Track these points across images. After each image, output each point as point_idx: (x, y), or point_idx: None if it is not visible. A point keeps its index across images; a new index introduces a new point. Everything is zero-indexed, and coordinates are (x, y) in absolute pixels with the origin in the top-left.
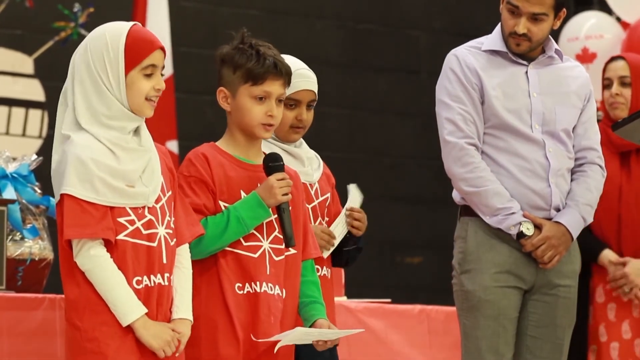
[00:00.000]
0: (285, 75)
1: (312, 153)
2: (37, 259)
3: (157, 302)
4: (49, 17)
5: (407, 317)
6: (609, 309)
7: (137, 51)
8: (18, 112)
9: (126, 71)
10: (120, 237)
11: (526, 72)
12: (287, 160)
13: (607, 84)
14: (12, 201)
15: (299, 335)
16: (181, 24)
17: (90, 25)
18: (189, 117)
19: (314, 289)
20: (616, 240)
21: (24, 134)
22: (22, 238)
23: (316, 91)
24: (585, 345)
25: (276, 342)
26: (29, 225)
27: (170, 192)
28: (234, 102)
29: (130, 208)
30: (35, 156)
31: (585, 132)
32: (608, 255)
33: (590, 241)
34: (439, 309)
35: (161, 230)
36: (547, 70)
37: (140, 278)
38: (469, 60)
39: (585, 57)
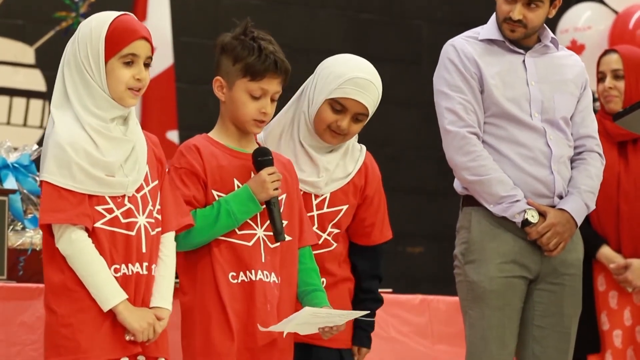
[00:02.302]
0: (283, 73)
1: (345, 163)
2: (38, 249)
3: (135, 291)
4: (50, 7)
5: (409, 307)
6: (611, 296)
7: (117, 39)
8: (19, 102)
9: (106, 59)
10: (98, 225)
11: (523, 61)
12: (306, 165)
13: (600, 77)
14: (13, 191)
15: (307, 317)
16: (182, 13)
17: (91, 16)
18: (189, 107)
19: (314, 277)
20: (615, 230)
21: (25, 124)
22: (23, 228)
23: (368, 105)
24: (597, 333)
25: (279, 332)
26: (30, 215)
27: (156, 182)
28: (230, 94)
29: (109, 197)
30: (36, 146)
31: (582, 120)
32: (605, 252)
33: (588, 235)
34: (440, 299)
35: (141, 220)
36: (543, 59)
37: (118, 266)
38: (467, 49)
39: (574, 48)
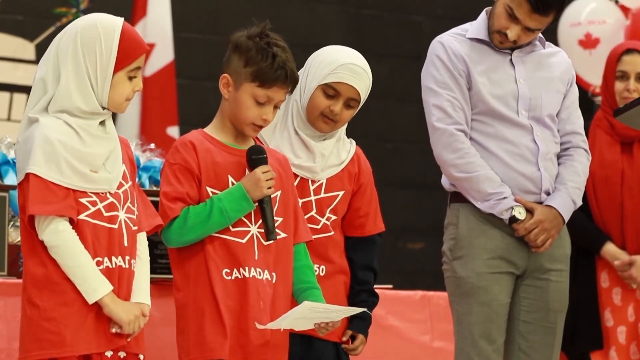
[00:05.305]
0: (291, 84)
1: (339, 150)
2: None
3: (118, 284)
4: (51, 2)
5: (409, 303)
6: (615, 293)
7: (128, 52)
8: (19, 97)
9: (114, 71)
10: (81, 217)
11: (511, 60)
12: (302, 151)
13: (621, 76)
14: (14, 187)
15: (305, 311)
16: (182, 9)
17: (91, 11)
18: (190, 103)
19: (309, 274)
20: (618, 227)
21: None
22: None
23: (361, 91)
24: (600, 330)
25: (273, 331)
26: None
27: (130, 183)
28: (235, 94)
29: (92, 192)
30: None
31: (569, 116)
32: (610, 249)
33: (591, 232)
34: (441, 295)
35: (122, 215)
36: (530, 57)
37: (100, 259)
38: (455, 46)
39: (589, 42)
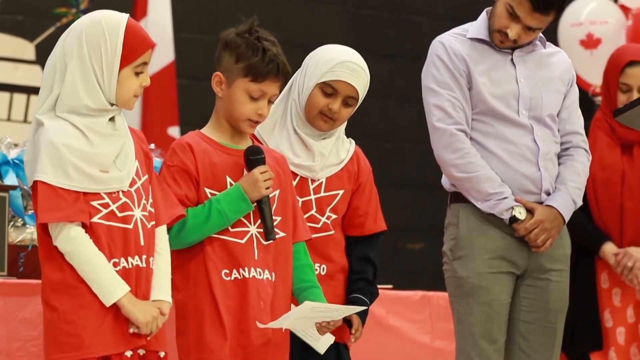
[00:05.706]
0: (284, 77)
1: (338, 149)
2: (38, 245)
3: (136, 284)
4: (51, 3)
5: (409, 303)
6: (614, 294)
7: (133, 48)
8: (19, 98)
9: (120, 67)
10: (94, 220)
11: (512, 59)
12: (301, 151)
13: (624, 89)
14: (14, 187)
15: (306, 311)
16: (183, 9)
17: (91, 12)
18: (190, 103)
19: (309, 273)
20: (618, 227)
21: (25, 120)
22: (24, 224)
23: (359, 89)
24: (599, 330)
25: (274, 330)
26: (30, 212)
27: (145, 176)
28: (228, 91)
29: (104, 192)
30: None
31: (569, 116)
32: (610, 249)
33: (591, 232)
34: (441, 295)
35: (137, 213)
36: (531, 57)
37: (117, 260)
38: (455, 47)
39: (590, 42)
